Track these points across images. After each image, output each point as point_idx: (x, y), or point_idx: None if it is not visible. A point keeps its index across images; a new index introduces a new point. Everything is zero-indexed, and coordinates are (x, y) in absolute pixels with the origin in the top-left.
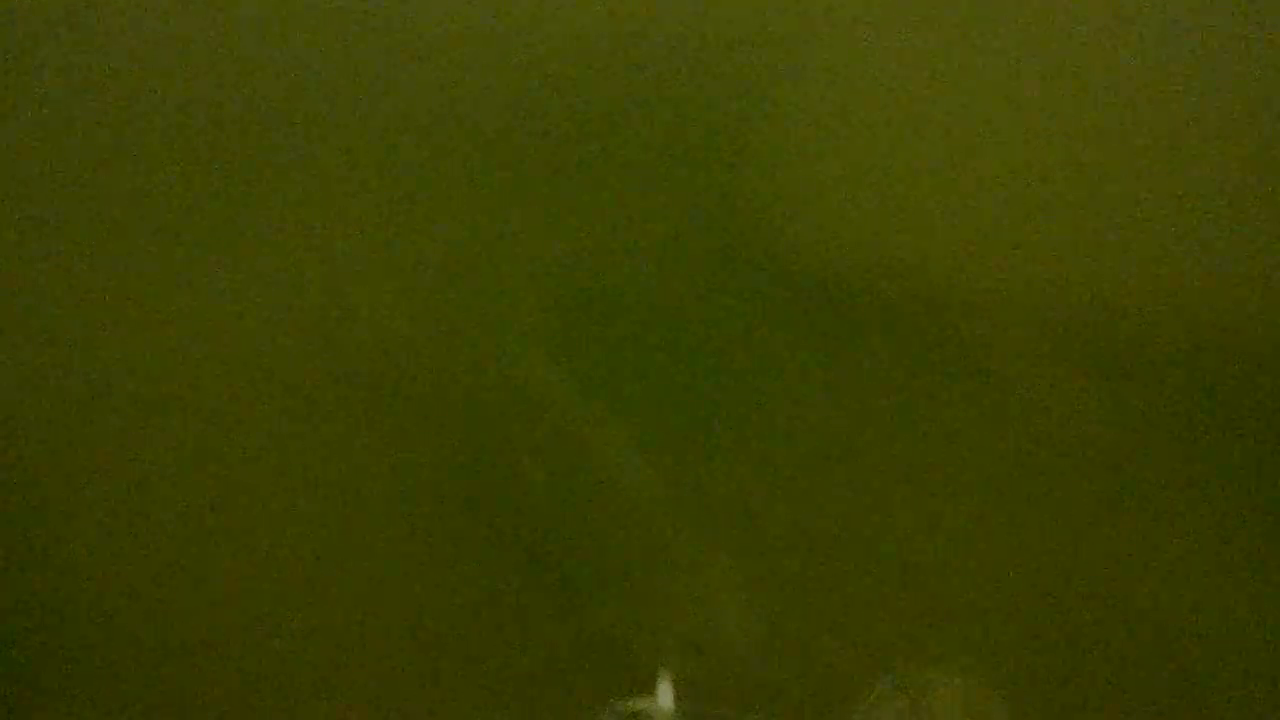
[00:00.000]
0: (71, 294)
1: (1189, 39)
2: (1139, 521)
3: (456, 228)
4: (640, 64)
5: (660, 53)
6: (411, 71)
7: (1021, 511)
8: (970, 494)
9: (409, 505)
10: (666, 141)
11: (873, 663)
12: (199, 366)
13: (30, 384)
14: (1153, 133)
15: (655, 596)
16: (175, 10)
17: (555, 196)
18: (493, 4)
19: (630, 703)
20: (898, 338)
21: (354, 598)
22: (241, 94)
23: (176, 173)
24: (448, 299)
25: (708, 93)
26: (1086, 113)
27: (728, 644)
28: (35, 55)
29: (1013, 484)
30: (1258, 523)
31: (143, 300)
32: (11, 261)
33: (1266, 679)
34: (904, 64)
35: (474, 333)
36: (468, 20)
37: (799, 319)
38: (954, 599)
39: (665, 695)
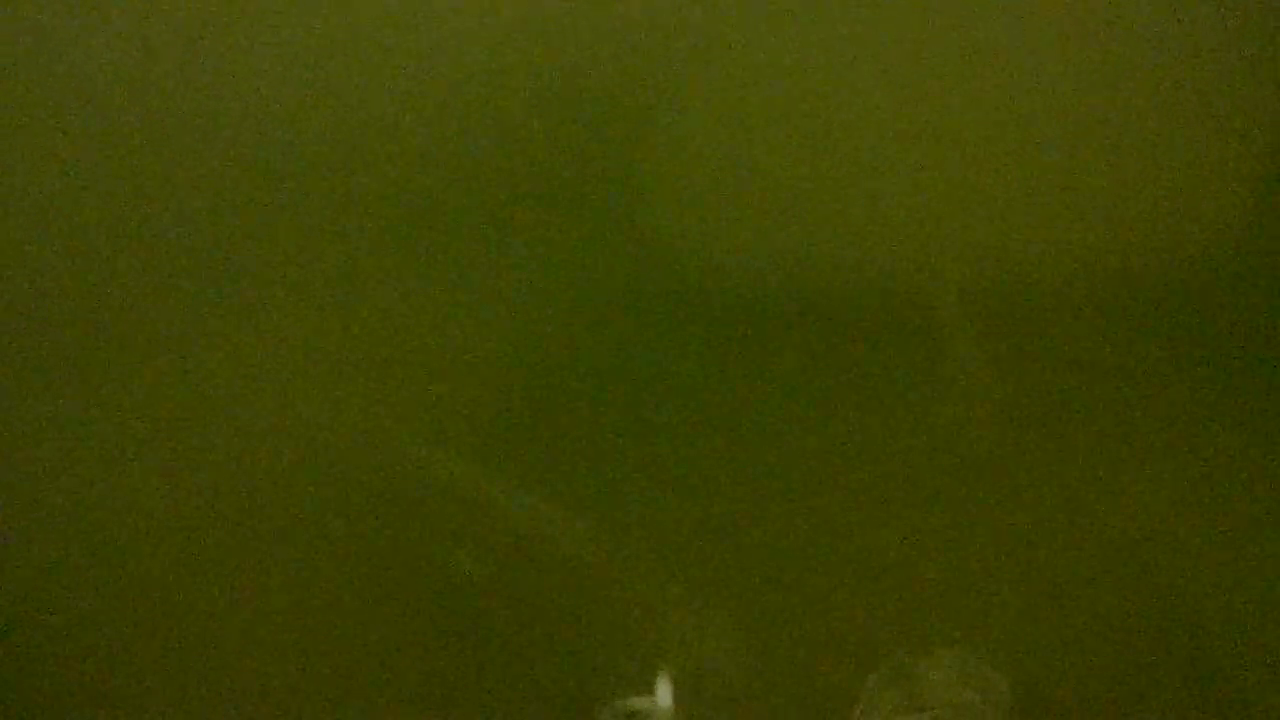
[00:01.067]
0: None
1: (1159, 34)
2: (1130, 506)
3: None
4: (506, 104)
5: (528, 88)
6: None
7: (1010, 500)
8: (955, 483)
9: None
10: (546, 181)
11: (867, 655)
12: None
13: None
14: (1105, 120)
15: (639, 601)
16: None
17: (440, 257)
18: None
19: (630, 703)
20: (844, 346)
21: (349, 598)
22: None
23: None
24: (348, 388)
25: (582, 122)
26: (1021, 99)
27: (718, 646)
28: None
29: (995, 471)
30: (1255, 506)
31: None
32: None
33: (1270, 663)
34: (815, 59)
35: (384, 422)
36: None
37: (732, 341)
38: (945, 588)
39: (665, 695)
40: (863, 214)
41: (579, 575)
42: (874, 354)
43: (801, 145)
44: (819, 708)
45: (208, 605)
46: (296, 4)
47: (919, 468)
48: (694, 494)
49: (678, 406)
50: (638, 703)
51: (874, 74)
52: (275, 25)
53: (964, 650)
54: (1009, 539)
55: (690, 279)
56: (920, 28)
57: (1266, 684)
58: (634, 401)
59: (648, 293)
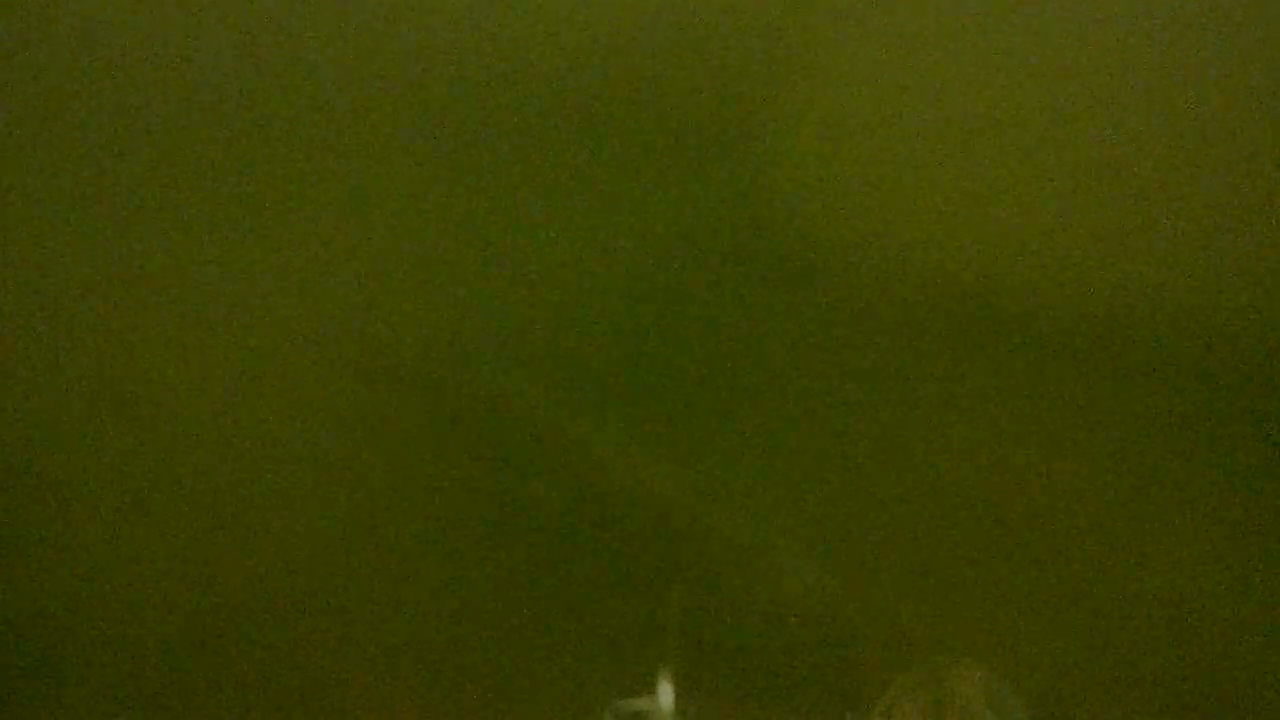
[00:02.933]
0: (74, 292)
1: (1197, 39)
2: (1155, 515)
3: (460, 228)
4: (646, 60)
5: (668, 49)
6: (420, 65)
7: (1038, 508)
8: (986, 492)
9: (413, 511)
10: (674, 139)
11: (893, 659)
12: (200, 365)
13: (33, 381)
14: (1165, 136)
15: (674, 598)
16: (162, 15)
17: (563, 194)
18: (499, 4)
19: (630, 703)
20: (911, 335)
21: (358, 601)
22: (223, 98)
23: (168, 172)
24: (454, 301)
25: (716, 88)
26: (1104, 115)
27: (749, 646)
28: (36, 55)
29: (1029, 481)
30: (1269, 516)
31: (141, 298)
32: (11, 263)
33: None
34: (922, 64)
35: (479, 338)
36: (474, 17)
37: (811, 317)
38: (972, 595)
39: (665, 695)
40: (986, 215)
41: (652, 515)
42: (953, 356)
43: (941, 136)
44: (841, 710)
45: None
46: None
47: (957, 483)
48: (767, 461)
49: (761, 370)
50: (638, 703)
51: (1015, 73)
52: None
53: (984, 668)
54: (1034, 568)
55: (797, 247)
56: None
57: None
58: (721, 360)
59: (754, 254)
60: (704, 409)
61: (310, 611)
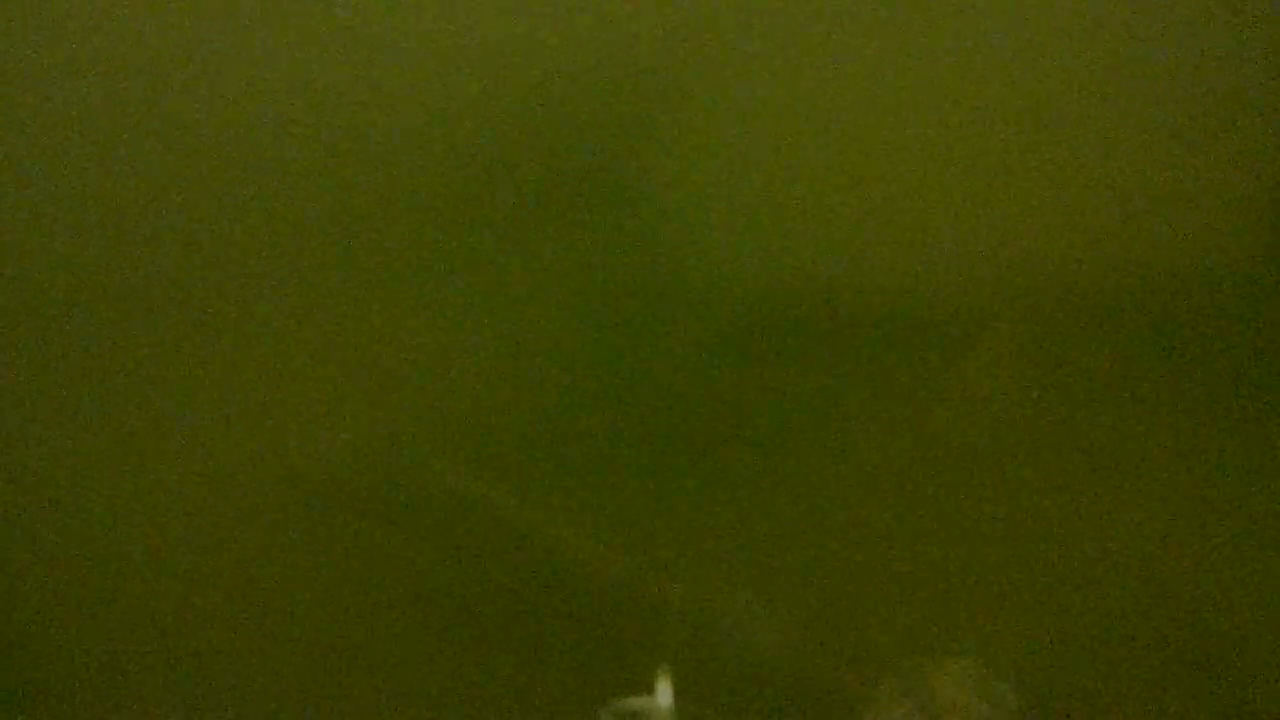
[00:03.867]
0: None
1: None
2: (1143, 519)
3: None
4: (510, 111)
5: (535, 97)
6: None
7: (1018, 505)
8: (962, 491)
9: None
10: (555, 189)
11: (879, 665)
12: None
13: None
14: (1111, 127)
15: (655, 611)
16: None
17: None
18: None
19: (630, 702)
20: (854, 353)
21: (349, 600)
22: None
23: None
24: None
25: (590, 130)
26: (1032, 108)
27: (731, 653)
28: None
29: (1005, 479)
30: (1266, 515)
31: (130, 309)
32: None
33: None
34: (818, 72)
35: (387, 427)
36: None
37: (741, 347)
38: (957, 600)
39: (665, 695)
40: (873, 220)
41: (585, 579)
42: (885, 362)
43: (813, 150)
44: (830, 715)
45: (205, 604)
46: (307, 4)
47: (929, 477)
48: (700, 500)
49: (683, 410)
50: (638, 703)
51: (887, 78)
52: (285, 25)
53: (976, 662)
54: (1022, 554)
55: (699, 284)
56: (934, 32)
57: (1277, 691)
58: (639, 406)
59: (655, 297)
60: (645, 460)
61: (297, 622)
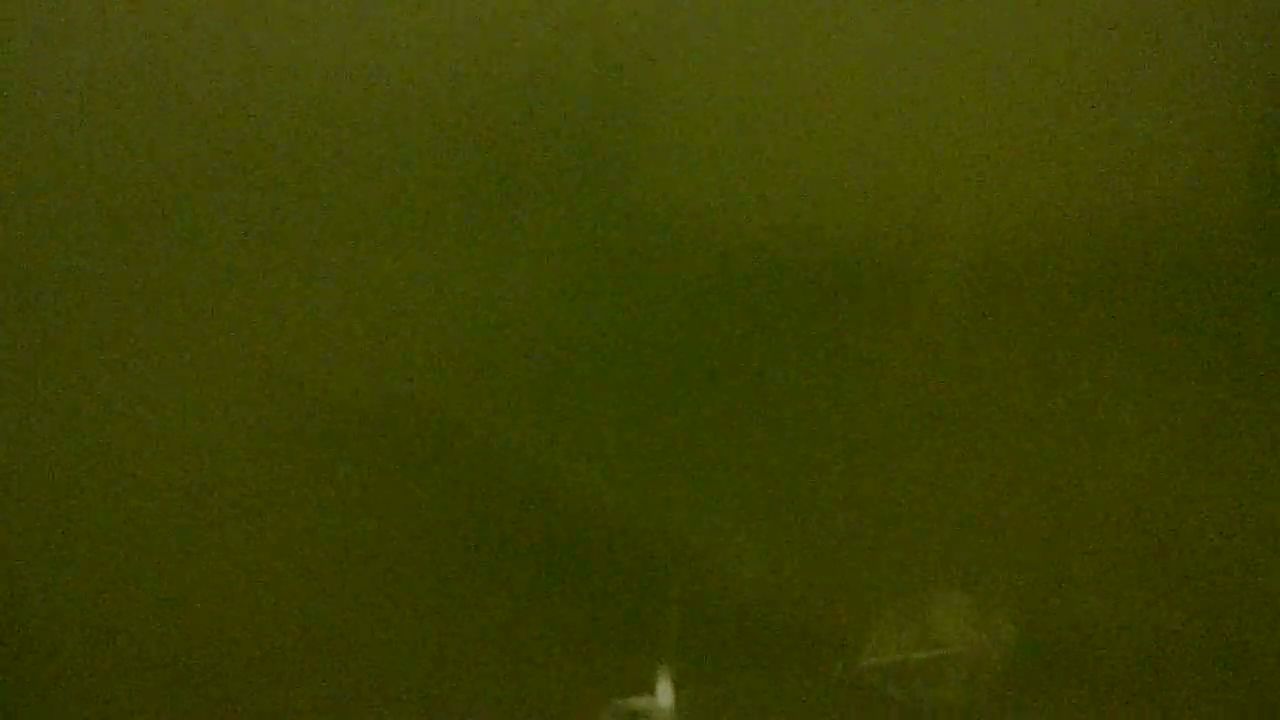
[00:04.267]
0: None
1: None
2: (1137, 465)
3: (366, 268)
4: (502, 81)
5: (522, 69)
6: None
7: (1016, 446)
8: (958, 431)
9: (405, 516)
10: (543, 157)
11: (878, 596)
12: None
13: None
14: (1087, 86)
15: (661, 552)
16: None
17: (506, 209)
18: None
19: (630, 702)
20: (840, 307)
21: (354, 595)
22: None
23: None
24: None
25: (582, 102)
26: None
27: (734, 583)
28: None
29: (1007, 425)
30: (1255, 459)
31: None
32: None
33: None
34: (798, 34)
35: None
36: (320, 51)
37: (727, 304)
38: (955, 533)
39: (665, 695)
40: (855, 183)
41: (587, 512)
42: (881, 304)
43: (791, 119)
44: (835, 643)
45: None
46: None
47: (930, 420)
48: (695, 438)
49: (676, 353)
50: (638, 703)
51: (873, 47)
52: (287, 11)
53: (974, 596)
54: (1019, 491)
55: (682, 247)
56: (924, 9)
57: (1272, 631)
58: (634, 348)
59: (641, 260)
60: (651, 397)
61: (304, 615)
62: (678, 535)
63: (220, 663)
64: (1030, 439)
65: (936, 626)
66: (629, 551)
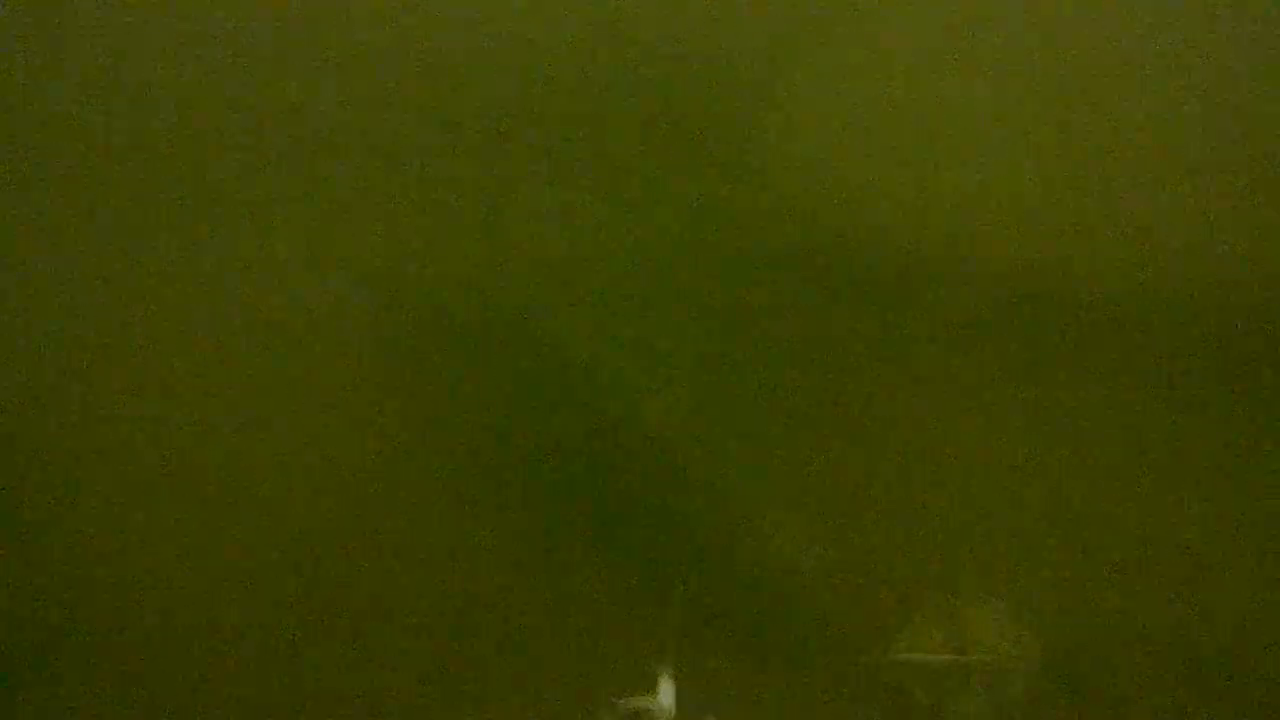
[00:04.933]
0: (93, 279)
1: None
2: (1166, 492)
3: (472, 212)
4: (626, 64)
5: (643, 54)
6: (428, 63)
7: (1039, 451)
8: (989, 439)
9: (411, 504)
10: (647, 136)
11: (910, 599)
12: (219, 340)
13: (43, 365)
14: (1132, 111)
15: (696, 545)
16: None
17: (558, 190)
18: (491, 13)
19: (630, 701)
20: (899, 305)
21: (360, 590)
22: (242, 91)
23: (182, 163)
24: (475, 251)
25: (686, 90)
26: (1065, 93)
27: (772, 585)
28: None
29: (1027, 427)
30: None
31: (158, 278)
32: (23, 251)
33: None
34: (885, 44)
35: (502, 294)
36: (473, 25)
37: (799, 295)
38: (981, 537)
39: (665, 694)
40: (934, 179)
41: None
42: (941, 309)
43: (940, 129)
44: (865, 639)
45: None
46: None
47: (980, 433)
48: (775, 423)
49: (755, 340)
50: (638, 703)
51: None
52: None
53: (1004, 606)
54: (1057, 511)
55: (774, 242)
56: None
57: None
58: (733, 333)
59: (753, 236)
60: (714, 377)
61: (310, 606)
62: (727, 519)
63: (206, 659)
64: (1075, 471)
65: (968, 630)
66: (648, 548)
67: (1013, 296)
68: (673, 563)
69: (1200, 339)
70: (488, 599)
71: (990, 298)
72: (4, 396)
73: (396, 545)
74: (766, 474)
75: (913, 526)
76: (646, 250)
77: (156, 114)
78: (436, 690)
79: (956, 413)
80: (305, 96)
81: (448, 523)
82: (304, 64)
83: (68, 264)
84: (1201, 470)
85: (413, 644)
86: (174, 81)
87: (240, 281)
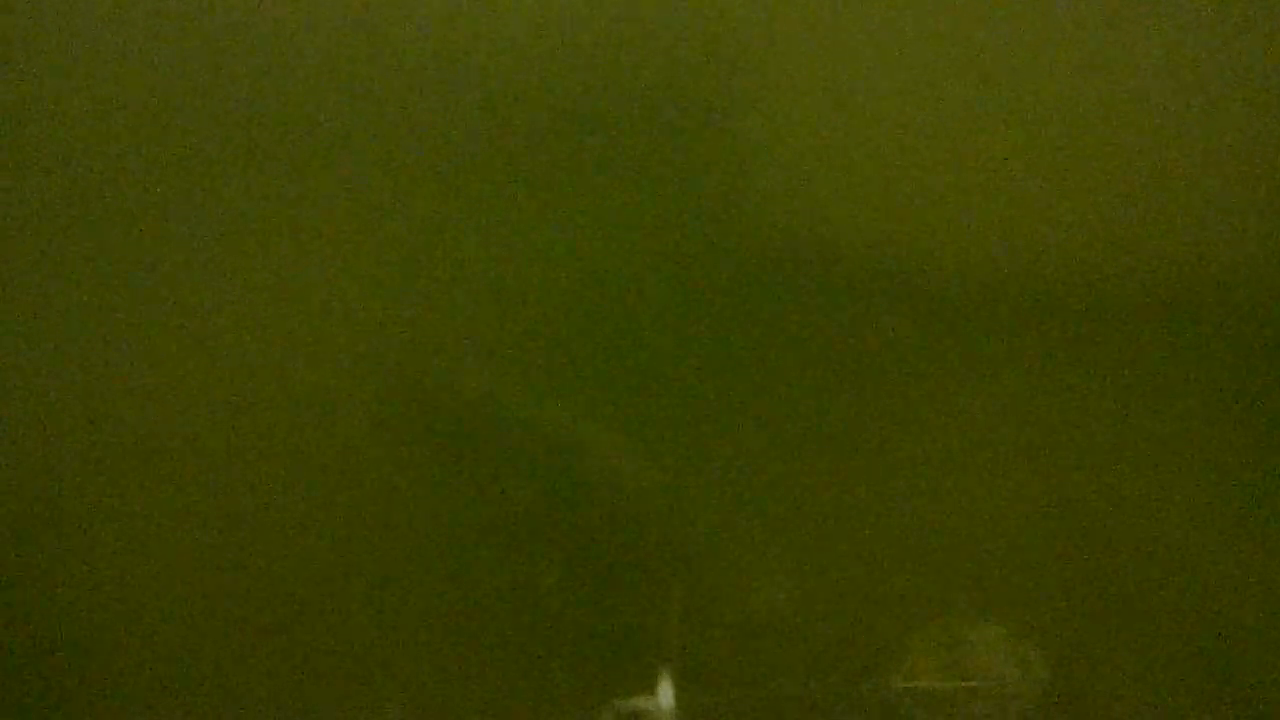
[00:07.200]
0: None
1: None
2: (1157, 471)
3: (438, 231)
4: (617, 61)
5: (637, 50)
6: (407, 68)
7: (1043, 468)
8: (989, 455)
9: (410, 513)
10: (642, 136)
11: (910, 622)
12: (197, 379)
13: (31, 397)
14: (1137, 114)
15: (684, 577)
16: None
17: (541, 196)
18: (479, 4)
19: (630, 702)
20: (897, 313)
21: (355, 601)
22: (232, 97)
23: (169, 179)
24: (439, 303)
25: (684, 85)
26: (1073, 94)
27: (765, 611)
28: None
29: (1031, 442)
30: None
31: (141, 308)
32: (14, 266)
33: None
34: (883, 43)
35: (460, 341)
36: (455, 20)
37: (791, 302)
38: (983, 557)
39: (665, 695)
40: (910, 190)
41: (637, 511)
42: (935, 324)
43: (924, 129)
44: (868, 664)
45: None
46: None
47: (976, 450)
48: (753, 455)
49: (756, 357)
50: (638, 703)
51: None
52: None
53: (1007, 629)
54: (1057, 532)
55: (780, 242)
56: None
57: None
58: (708, 355)
59: (722, 247)
60: (689, 402)
61: (306, 607)
62: (704, 542)
63: (212, 668)
64: (1079, 491)
65: (971, 654)
66: (643, 555)
67: (1012, 304)
68: (665, 573)
69: (1209, 349)
70: (488, 599)
71: (989, 304)
72: None
73: (396, 545)
74: (751, 494)
75: (908, 547)
76: (621, 261)
77: (157, 118)
78: (436, 690)
79: (951, 428)
80: (305, 100)
81: (447, 522)
82: (302, 66)
83: (60, 287)
84: (1212, 485)
85: (412, 644)
86: (174, 82)
87: (238, 297)
